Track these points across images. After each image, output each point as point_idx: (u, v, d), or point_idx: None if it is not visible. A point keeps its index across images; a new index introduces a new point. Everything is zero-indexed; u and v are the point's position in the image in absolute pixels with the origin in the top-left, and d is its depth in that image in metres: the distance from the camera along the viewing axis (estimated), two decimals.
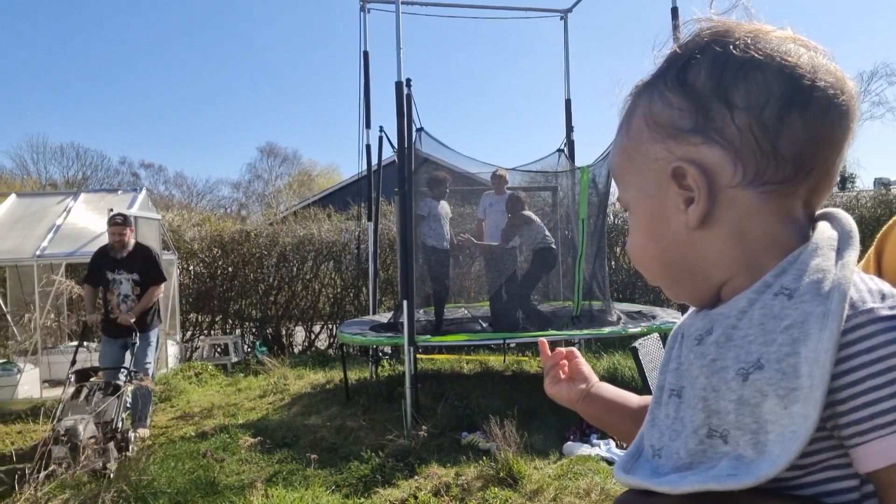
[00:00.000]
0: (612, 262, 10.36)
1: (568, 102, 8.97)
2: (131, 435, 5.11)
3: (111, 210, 7.62)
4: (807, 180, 0.61)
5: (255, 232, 11.13)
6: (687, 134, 0.61)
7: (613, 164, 0.71)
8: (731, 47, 0.60)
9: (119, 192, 9.01)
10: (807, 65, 0.60)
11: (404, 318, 5.73)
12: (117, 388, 4.98)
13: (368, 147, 8.09)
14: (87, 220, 7.96)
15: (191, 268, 10.95)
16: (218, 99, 65.58)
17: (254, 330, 11.04)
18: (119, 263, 5.71)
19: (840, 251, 0.60)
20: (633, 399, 0.90)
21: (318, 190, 26.73)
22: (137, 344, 5.54)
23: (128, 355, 5.55)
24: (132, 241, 5.81)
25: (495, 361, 8.56)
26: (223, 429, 5.85)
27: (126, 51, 62.23)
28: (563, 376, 0.94)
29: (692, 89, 0.62)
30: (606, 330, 5.98)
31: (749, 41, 0.60)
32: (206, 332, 10.96)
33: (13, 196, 8.74)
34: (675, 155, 0.62)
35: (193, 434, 5.81)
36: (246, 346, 10.62)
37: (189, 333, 10.78)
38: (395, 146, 6.21)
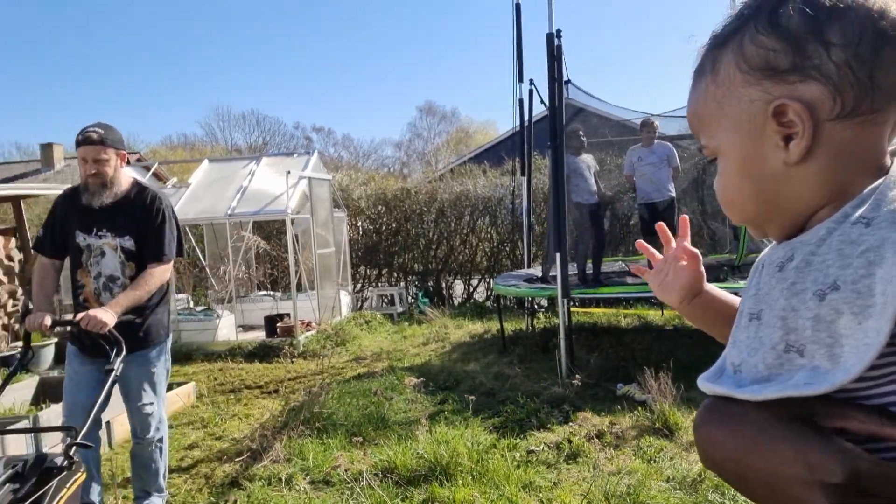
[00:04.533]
0: None
1: None
2: None
3: (288, 172, 8.36)
4: None
5: (415, 189, 11.64)
6: (784, 73, 0.65)
7: (698, 113, 0.74)
8: None
9: (295, 155, 9.82)
10: (884, 3, 0.64)
11: (557, 271, 5.82)
12: (43, 474, 2.25)
13: (521, 101, 8.12)
14: (268, 182, 8.79)
15: (359, 224, 11.73)
16: (379, 61, 67.91)
17: (416, 282, 11.65)
18: (97, 218, 3.16)
19: None
20: (736, 302, 0.92)
21: (475, 146, 27.12)
22: (118, 370, 2.73)
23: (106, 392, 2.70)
24: (124, 180, 3.22)
25: (654, 316, 8.41)
26: (391, 371, 6.35)
27: (293, 21, 66.09)
28: (670, 278, 0.97)
29: (787, 31, 0.65)
30: None
31: None
32: (374, 283, 11.75)
33: (206, 161, 9.83)
34: (774, 94, 0.66)
35: (365, 375, 6.37)
36: (410, 298, 11.27)
37: (359, 285, 11.62)
38: (544, 100, 6.20)
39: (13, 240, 7.68)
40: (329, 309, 9.04)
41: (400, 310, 10.36)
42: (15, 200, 7.90)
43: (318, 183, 9.04)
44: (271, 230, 11.03)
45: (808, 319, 0.62)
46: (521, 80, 8.04)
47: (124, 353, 2.81)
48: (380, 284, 11.72)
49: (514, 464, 3.79)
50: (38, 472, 2.32)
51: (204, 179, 9.32)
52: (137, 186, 3.27)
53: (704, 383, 0.71)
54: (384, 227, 11.71)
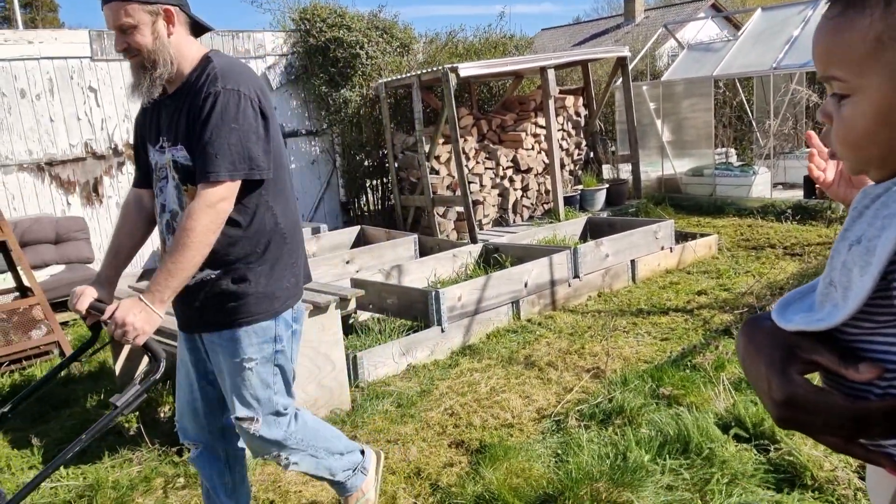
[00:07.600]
0: None
1: None
2: None
3: None
4: None
5: None
6: None
7: (850, 44, 0.69)
8: None
9: None
10: None
11: None
12: None
13: None
14: None
15: None
16: None
17: None
18: (156, 120, 2.04)
19: None
20: None
21: None
22: (123, 406, 1.71)
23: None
24: (187, 54, 1.97)
25: None
26: None
27: None
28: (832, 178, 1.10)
29: None
30: None
31: None
32: None
33: (759, 11, 9.37)
34: None
35: None
36: None
37: None
38: None
39: (581, 98, 9.09)
40: None
41: None
42: (583, 63, 9.21)
43: None
44: None
45: (840, 263, 0.71)
46: None
47: (157, 377, 1.76)
48: None
49: None
50: None
51: (754, 30, 8.98)
52: (205, 62, 1.96)
53: (775, 307, 0.81)
54: None
